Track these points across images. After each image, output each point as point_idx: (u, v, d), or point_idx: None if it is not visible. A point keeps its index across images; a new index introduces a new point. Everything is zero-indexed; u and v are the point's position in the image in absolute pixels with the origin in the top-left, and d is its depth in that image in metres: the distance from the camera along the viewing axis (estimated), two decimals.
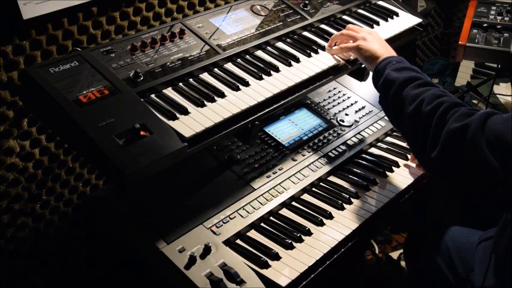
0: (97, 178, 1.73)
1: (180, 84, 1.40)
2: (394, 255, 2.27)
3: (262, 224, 1.43)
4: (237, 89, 1.41)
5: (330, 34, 1.72)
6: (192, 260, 1.24)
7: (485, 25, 2.01)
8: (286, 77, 1.49)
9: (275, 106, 1.45)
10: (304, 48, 1.63)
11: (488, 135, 1.11)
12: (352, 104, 1.90)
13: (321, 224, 1.42)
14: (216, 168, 1.53)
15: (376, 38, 1.56)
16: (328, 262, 1.33)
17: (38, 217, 1.61)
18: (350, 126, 1.80)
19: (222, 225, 1.37)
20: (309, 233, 1.39)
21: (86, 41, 1.55)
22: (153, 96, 1.34)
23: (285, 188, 1.51)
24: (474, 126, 1.13)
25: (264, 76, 1.48)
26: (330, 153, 1.66)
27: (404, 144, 1.78)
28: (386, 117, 1.86)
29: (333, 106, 1.87)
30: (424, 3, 2.47)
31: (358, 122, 1.83)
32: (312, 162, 1.61)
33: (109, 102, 1.23)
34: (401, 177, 1.63)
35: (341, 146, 1.70)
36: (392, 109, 1.37)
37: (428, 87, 1.32)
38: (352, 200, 1.51)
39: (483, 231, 1.51)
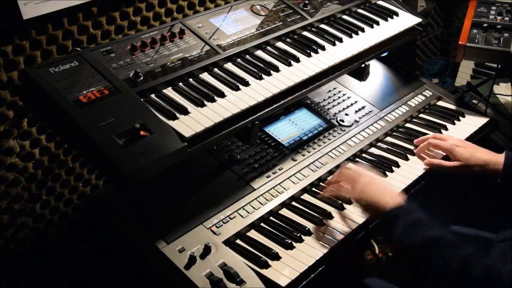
0: (97, 178, 1.73)
1: (180, 84, 1.40)
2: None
3: (262, 224, 1.42)
4: (237, 89, 1.41)
5: (330, 34, 1.72)
6: (192, 260, 1.24)
7: (485, 25, 2.01)
8: (286, 77, 1.49)
9: (275, 106, 1.45)
10: (304, 48, 1.63)
11: None
12: (352, 104, 1.90)
13: (321, 224, 1.42)
14: (216, 168, 1.53)
15: (378, 184, 1.42)
16: (328, 262, 1.33)
17: (38, 217, 1.61)
18: (350, 126, 1.80)
19: (222, 225, 1.37)
20: (309, 233, 1.39)
21: (86, 41, 1.55)
22: (153, 96, 1.34)
23: (285, 188, 1.51)
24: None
25: (264, 76, 1.48)
26: (330, 153, 1.66)
27: (404, 144, 1.78)
28: (386, 117, 1.87)
29: (333, 106, 1.87)
30: (424, 3, 2.47)
31: (358, 122, 1.82)
32: (312, 162, 1.61)
33: (109, 102, 1.23)
34: (402, 177, 1.63)
35: (341, 146, 1.70)
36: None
37: (442, 249, 1.22)
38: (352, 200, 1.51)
39: (484, 231, 1.51)
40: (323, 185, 1.57)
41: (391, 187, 1.47)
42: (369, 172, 1.48)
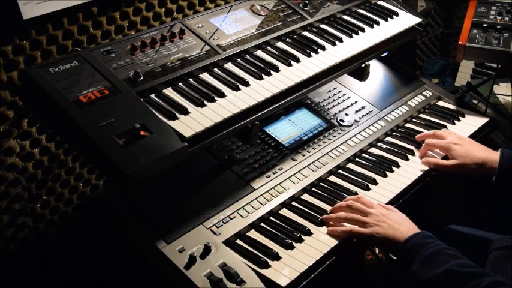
0: (97, 178, 1.73)
1: (180, 84, 1.40)
2: None
3: (262, 224, 1.42)
4: (237, 89, 1.41)
5: (330, 34, 1.73)
6: (192, 260, 1.24)
7: (485, 25, 2.01)
8: (286, 77, 1.49)
9: (275, 106, 1.45)
10: (304, 48, 1.63)
11: None
12: (352, 104, 1.90)
13: (321, 223, 1.42)
14: (216, 168, 1.53)
15: (390, 217, 1.37)
16: (328, 262, 1.33)
17: (38, 217, 1.61)
18: (350, 126, 1.80)
19: (222, 225, 1.37)
20: (309, 233, 1.39)
21: (86, 41, 1.55)
22: (153, 96, 1.34)
23: (285, 188, 1.51)
24: None
25: (264, 76, 1.48)
26: (330, 153, 1.66)
27: (404, 144, 1.78)
28: (386, 117, 1.87)
29: (333, 106, 1.87)
30: (424, 3, 2.47)
31: (358, 122, 1.82)
32: (312, 162, 1.61)
33: (109, 102, 1.23)
34: (402, 177, 1.63)
35: (341, 146, 1.70)
36: None
37: (458, 278, 1.18)
38: None
39: (485, 231, 1.51)
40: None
41: (402, 217, 1.39)
42: (378, 209, 1.41)
